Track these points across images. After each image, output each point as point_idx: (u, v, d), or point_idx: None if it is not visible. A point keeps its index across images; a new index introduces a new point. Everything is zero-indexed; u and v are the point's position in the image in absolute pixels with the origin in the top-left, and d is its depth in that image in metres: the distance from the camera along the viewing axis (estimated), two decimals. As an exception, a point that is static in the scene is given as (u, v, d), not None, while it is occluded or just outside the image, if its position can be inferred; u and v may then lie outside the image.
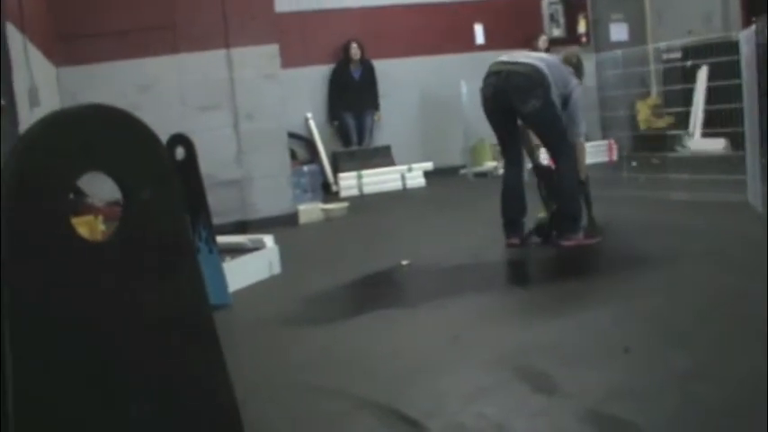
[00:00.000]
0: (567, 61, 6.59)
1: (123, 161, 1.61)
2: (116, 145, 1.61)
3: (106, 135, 1.61)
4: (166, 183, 1.65)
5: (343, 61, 13.24)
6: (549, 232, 6.30)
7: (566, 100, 6.28)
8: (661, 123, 11.95)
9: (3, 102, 2.74)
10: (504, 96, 6.18)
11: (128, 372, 1.66)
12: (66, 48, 8.47)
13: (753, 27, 7.11)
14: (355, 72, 13.27)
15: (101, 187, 1.86)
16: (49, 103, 7.25)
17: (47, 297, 1.54)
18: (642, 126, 12.37)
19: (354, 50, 13.14)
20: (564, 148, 6.26)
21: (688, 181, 8.17)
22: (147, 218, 1.63)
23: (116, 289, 1.61)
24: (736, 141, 8.41)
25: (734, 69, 7.41)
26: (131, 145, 1.63)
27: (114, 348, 1.63)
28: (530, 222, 6.39)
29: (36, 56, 6.77)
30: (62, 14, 8.46)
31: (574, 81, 6.37)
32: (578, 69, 6.61)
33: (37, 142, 1.51)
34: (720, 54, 8.57)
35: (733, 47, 7.63)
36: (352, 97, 13.14)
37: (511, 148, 6.52)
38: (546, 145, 6.49)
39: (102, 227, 4.65)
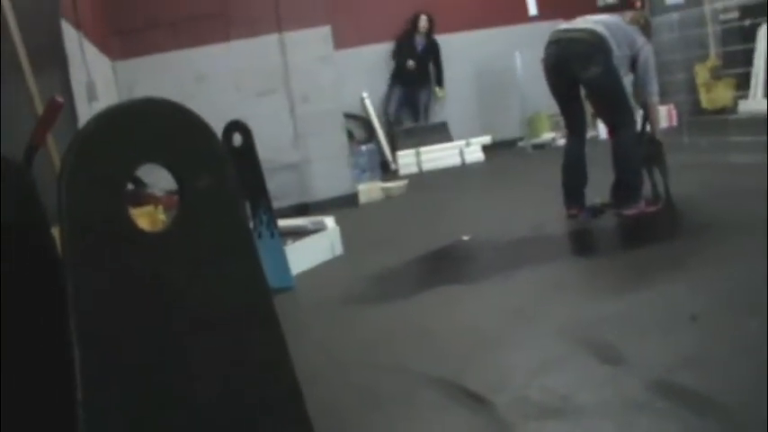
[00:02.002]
0: (634, 21, 6.46)
1: (177, 152, 1.64)
2: (169, 136, 1.64)
3: (159, 127, 1.63)
4: (222, 171, 1.67)
5: (408, 32, 13.21)
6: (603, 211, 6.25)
7: (634, 61, 6.17)
8: (723, 99, 11.73)
9: (60, 99, 2.77)
10: (565, 65, 6.10)
11: (193, 359, 1.69)
12: (120, 41, 8.59)
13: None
14: (419, 44, 13.23)
15: (161, 176, 1.88)
16: (107, 97, 7.36)
17: (110, 290, 1.56)
18: (705, 104, 12.16)
19: (423, 23, 13.11)
20: (624, 117, 6.13)
21: (751, 143, 8.02)
22: (204, 207, 1.66)
23: (177, 278, 1.63)
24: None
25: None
26: (184, 135, 1.65)
27: (177, 337, 1.66)
28: (591, 194, 6.32)
29: (92, 51, 6.87)
30: (115, 9, 8.57)
31: (641, 39, 6.22)
32: (645, 29, 6.48)
33: (92, 138, 1.53)
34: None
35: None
36: (410, 71, 13.12)
37: (573, 118, 6.42)
38: (604, 114, 6.40)
39: (162, 216, 4.71)
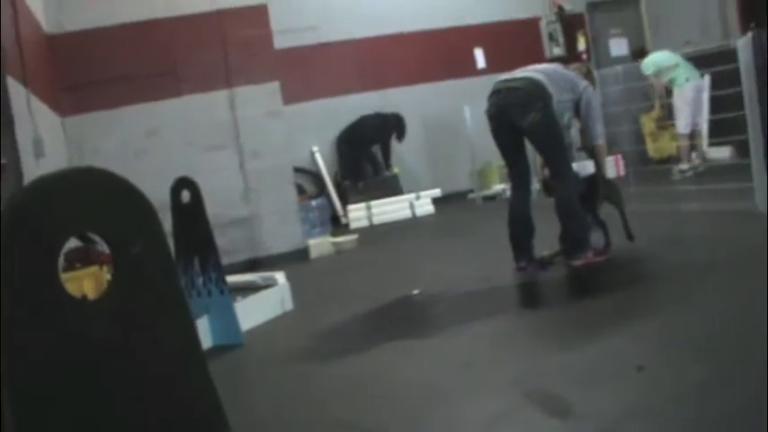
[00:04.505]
0: (575, 69, 6.57)
1: (111, 220, 1.64)
2: (103, 205, 1.64)
3: (93, 196, 1.63)
4: (155, 238, 1.67)
5: (381, 121, 13.31)
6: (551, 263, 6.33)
7: (578, 105, 6.27)
8: (669, 149, 11.99)
9: (3, 160, 2.76)
10: (505, 113, 6.16)
11: (125, 418, 1.67)
12: (70, 97, 8.56)
13: (750, 34, 7.11)
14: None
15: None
16: (55, 154, 7.31)
17: (42, 353, 1.55)
18: (652, 153, 12.41)
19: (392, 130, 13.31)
20: (564, 167, 6.20)
21: (696, 191, 8.16)
22: (137, 272, 1.65)
23: (109, 341, 1.62)
24: (743, 149, 8.38)
25: (736, 77, 7.39)
26: (118, 203, 1.65)
27: (109, 398, 1.64)
28: (538, 245, 6.37)
29: (40, 108, 6.83)
30: (65, 66, 8.54)
31: (583, 83, 6.33)
32: (589, 77, 6.58)
33: (24, 208, 1.53)
34: (721, 63, 8.56)
35: (732, 55, 7.62)
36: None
37: (517, 169, 6.44)
38: (546, 161, 6.40)
39: (108, 276, 4.66)
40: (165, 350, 1.71)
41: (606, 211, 6.49)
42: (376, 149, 13.49)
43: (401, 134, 13.29)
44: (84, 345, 1.60)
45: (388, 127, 13.23)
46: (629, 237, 6.43)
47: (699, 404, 3.11)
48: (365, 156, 13.43)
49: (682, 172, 10.80)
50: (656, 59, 11.24)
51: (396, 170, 13.46)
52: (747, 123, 7.16)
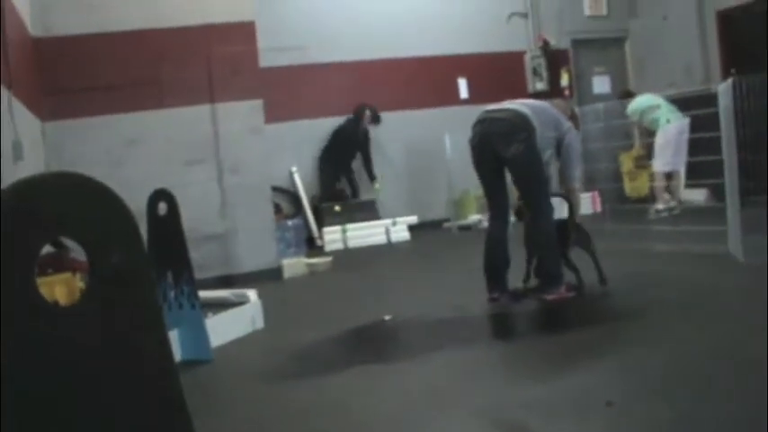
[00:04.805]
0: (560, 108, 6.61)
1: (89, 227, 1.62)
2: (81, 211, 1.63)
3: (71, 202, 1.62)
4: (133, 247, 1.66)
5: (353, 120, 13.29)
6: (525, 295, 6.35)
7: (560, 143, 6.29)
8: (646, 189, 12.09)
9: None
10: (488, 143, 6.18)
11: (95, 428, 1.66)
12: (52, 103, 8.52)
13: (730, 80, 7.20)
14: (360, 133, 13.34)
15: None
16: (34, 158, 7.27)
17: (18, 362, 1.53)
18: (629, 192, 12.50)
19: (367, 117, 13.25)
20: (543, 201, 6.22)
21: (671, 232, 8.21)
22: (114, 281, 1.64)
23: (84, 350, 1.60)
24: (718, 193, 8.45)
25: (715, 121, 7.47)
26: (97, 211, 1.64)
27: (82, 409, 1.62)
28: (513, 278, 6.39)
29: (21, 111, 6.79)
30: (49, 70, 8.51)
31: (567, 124, 6.37)
32: (574, 120, 6.63)
33: (2, 213, 1.52)
34: (701, 106, 8.64)
35: (713, 99, 7.70)
36: (341, 152, 13.22)
37: (496, 200, 6.45)
38: (524, 195, 6.37)
39: (81, 284, 4.63)
40: (138, 361, 1.69)
41: (577, 253, 6.51)
42: (358, 167, 13.48)
43: (376, 119, 13.36)
44: (58, 351, 1.59)
45: (361, 125, 13.27)
46: (602, 281, 6.44)
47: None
48: (345, 175, 13.41)
49: (658, 212, 10.88)
50: (640, 102, 11.37)
51: (377, 186, 13.47)
52: (724, 167, 7.23)
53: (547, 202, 6.25)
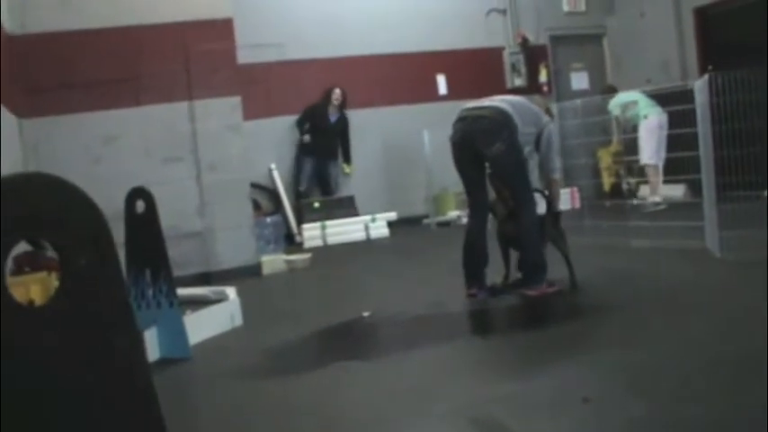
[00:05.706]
0: (538, 104, 6.64)
1: (59, 227, 1.62)
2: (51, 212, 1.62)
3: (41, 202, 1.61)
4: (104, 247, 1.65)
5: (321, 103, 13.26)
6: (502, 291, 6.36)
7: (539, 138, 6.31)
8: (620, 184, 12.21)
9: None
10: (470, 141, 6.20)
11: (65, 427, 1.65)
12: (30, 100, 8.46)
13: (707, 77, 7.24)
14: (332, 116, 13.29)
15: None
16: (10, 155, 7.22)
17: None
18: (607, 188, 12.55)
19: (336, 95, 13.21)
20: (526, 197, 6.25)
21: (649, 228, 8.25)
22: (84, 281, 1.63)
23: (54, 351, 1.60)
24: (695, 188, 8.50)
25: (692, 117, 7.51)
26: (68, 211, 1.63)
27: (51, 410, 1.62)
28: (491, 273, 6.41)
29: (-3, 107, 6.76)
30: (27, 68, 8.46)
31: (546, 118, 6.42)
32: (548, 113, 6.66)
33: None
34: (678, 102, 8.68)
35: (690, 95, 7.74)
36: (320, 141, 13.14)
37: (476, 196, 6.47)
38: (508, 190, 6.38)
39: (56, 283, 4.60)
40: (109, 358, 1.69)
41: (550, 250, 6.51)
42: (335, 165, 13.47)
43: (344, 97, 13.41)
44: (28, 351, 1.58)
45: (330, 104, 13.28)
46: (573, 285, 6.35)
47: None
48: (323, 170, 13.39)
49: (656, 204, 10.91)
50: (620, 98, 11.47)
51: (347, 170, 13.54)
52: (701, 163, 7.27)
53: (530, 197, 6.27)
